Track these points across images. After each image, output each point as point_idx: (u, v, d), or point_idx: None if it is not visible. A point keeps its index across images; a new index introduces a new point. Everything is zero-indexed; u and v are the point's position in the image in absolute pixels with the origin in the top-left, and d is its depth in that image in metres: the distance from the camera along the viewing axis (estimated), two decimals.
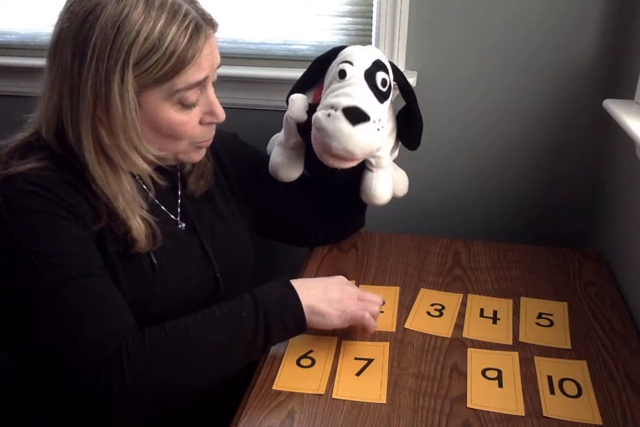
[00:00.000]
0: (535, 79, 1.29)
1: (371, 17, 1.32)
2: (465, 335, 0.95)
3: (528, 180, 1.39)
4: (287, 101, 1.07)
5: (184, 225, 0.94)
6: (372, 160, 1.06)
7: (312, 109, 1.02)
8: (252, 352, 0.84)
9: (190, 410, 0.93)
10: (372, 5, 1.31)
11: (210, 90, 0.86)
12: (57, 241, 0.77)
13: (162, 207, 0.92)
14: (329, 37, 1.38)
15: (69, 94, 0.79)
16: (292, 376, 0.86)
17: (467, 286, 1.09)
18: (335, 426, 0.78)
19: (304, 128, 1.04)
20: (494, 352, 0.91)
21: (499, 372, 0.87)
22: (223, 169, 1.05)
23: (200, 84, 0.83)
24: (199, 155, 0.92)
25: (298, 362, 0.88)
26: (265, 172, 1.11)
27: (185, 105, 0.83)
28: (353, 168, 1.03)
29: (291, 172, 1.10)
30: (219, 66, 0.86)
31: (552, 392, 0.84)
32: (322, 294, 0.88)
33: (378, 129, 0.96)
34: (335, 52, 1.04)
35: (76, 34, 0.77)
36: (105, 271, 0.81)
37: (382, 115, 0.98)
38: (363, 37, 1.36)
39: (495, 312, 1.01)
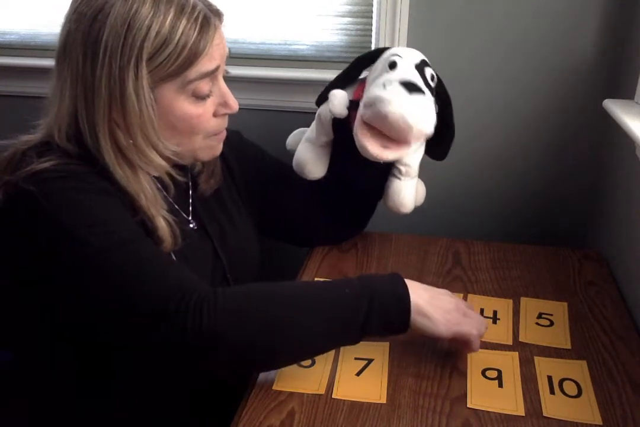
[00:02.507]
0: (534, 79, 1.29)
1: (371, 17, 1.32)
2: None
3: (528, 180, 1.39)
4: (317, 102, 1.08)
5: (195, 225, 0.95)
6: (402, 169, 1.06)
7: (352, 105, 1.02)
8: (345, 335, 0.81)
9: (191, 410, 0.93)
10: (372, 5, 1.31)
11: (222, 81, 0.86)
12: (97, 212, 0.77)
13: (176, 206, 0.92)
14: (329, 37, 1.38)
15: (83, 96, 0.78)
16: (292, 376, 0.86)
17: (467, 286, 1.09)
18: (335, 426, 0.78)
19: (340, 125, 1.03)
20: (494, 352, 0.91)
21: (499, 372, 0.87)
22: (229, 168, 1.05)
23: (212, 74, 0.83)
24: (216, 151, 0.91)
25: (298, 362, 0.88)
26: (269, 171, 1.11)
27: (199, 97, 0.83)
28: (377, 173, 1.05)
29: (317, 169, 1.10)
30: (228, 55, 0.86)
31: (552, 392, 0.84)
32: (432, 299, 0.84)
33: (431, 105, 0.96)
34: (377, 52, 1.05)
35: (86, 35, 0.77)
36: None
37: (432, 98, 0.98)
38: (363, 37, 1.36)
39: (495, 312, 1.01)
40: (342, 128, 1.03)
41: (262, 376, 0.86)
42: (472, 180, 1.40)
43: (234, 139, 1.08)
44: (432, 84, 1.00)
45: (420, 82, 0.96)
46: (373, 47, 1.34)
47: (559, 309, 1.02)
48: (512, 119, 1.34)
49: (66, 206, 0.76)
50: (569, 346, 0.93)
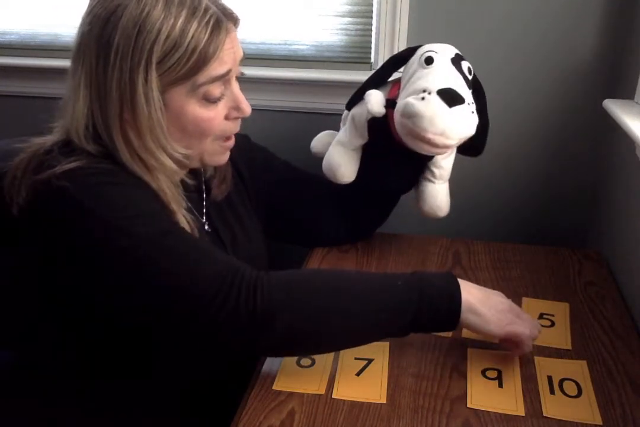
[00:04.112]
0: (534, 79, 1.29)
1: (371, 17, 1.32)
2: (465, 335, 0.95)
3: (527, 181, 1.39)
4: (347, 106, 1.07)
5: (209, 228, 0.95)
6: (436, 172, 1.06)
7: (388, 104, 1.00)
8: (393, 327, 0.81)
9: (191, 410, 0.93)
10: (372, 5, 1.31)
11: (235, 85, 0.86)
12: (135, 204, 0.77)
13: (194, 211, 0.92)
14: (329, 37, 1.38)
15: (96, 98, 0.78)
16: (292, 376, 0.86)
17: None
18: (335, 426, 0.78)
19: (375, 126, 1.02)
20: (494, 352, 0.91)
21: (499, 372, 0.87)
22: (239, 172, 1.05)
23: (224, 78, 0.82)
24: (223, 158, 0.91)
25: (298, 362, 0.88)
26: (279, 174, 1.11)
27: (210, 101, 0.82)
28: (409, 175, 1.06)
29: (349, 173, 1.08)
30: (243, 58, 0.86)
31: (552, 392, 0.84)
32: (485, 298, 0.84)
33: (472, 112, 0.94)
34: (411, 50, 1.04)
35: (99, 37, 0.77)
36: None
37: (472, 100, 0.96)
38: (363, 37, 1.36)
39: None
40: (377, 129, 1.02)
41: (262, 375, 0.86)
42: (472, 180, 1.40)
43: (242, 143, 1.07)
44: (470, 77, 0.99)
45: (458, 84, 0.94)
46: (373, 47, 1.34)
47: (560, 309, 1.02)
48: (511, 119, 1.34)
49: (104, 200, 0.75)
50: (569, 346, 0.93)
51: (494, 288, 1.07)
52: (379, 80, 1.06)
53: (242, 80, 1.38)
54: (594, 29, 1.23)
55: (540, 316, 1.00)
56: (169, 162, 0.81)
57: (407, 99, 0.93)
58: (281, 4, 1.37)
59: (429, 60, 0.97)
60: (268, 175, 1.10)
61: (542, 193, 1.39)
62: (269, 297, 0.74)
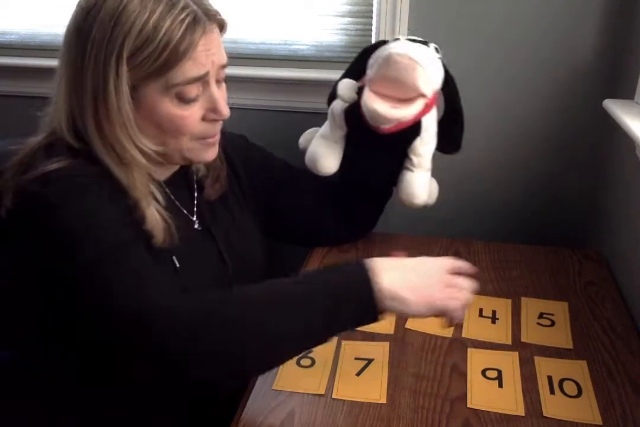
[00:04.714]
0: (534, 79, 1.29)
1: (371, 17, 1.32)
2: (465, 335, 0.95)
3: (528, 180, 1.39)
4: (328, 101, 1.11)
5: (199, 226, 0.95)
6: (414, 159, 1.08)
7: (360, 91, 1.05)
8: (312, 339, 0.78)
9: (191, 410, 0.93)
10: (372, 5, 1.31)
11: (214, 87, 0.84)
12: (97, 215, 0.77)
13: (180, 207, 0.92)
14: (329, 37, 1.38)
15: (74, 88, 0.79)
16: (292, 376, 0.86)
17: None
18: (335, 426, 0.78)
19: (352, 116, 1.05)
20: (494, 352, 0.91)
21: (499, 372, 0.87)
22: (235, 172, 1.05)
23: (201, 80, 0.81)
24: (208, 155, 0.89)
25: (298, 362, 0.88)
26: (277, 173, 1.11)
27: (184, 100, 0.81)
28: (390, 164, 1.08)
29: (330, 164, 1.11)
30: (224, 65, 0.85)
31: (552, 392, 0.84)
32: (405, 279, 0.78)
33: (438, 60, 1.02)
34: (381, 43, 1.09)
35: (79, 29, 0.78)
36: None
37: (439, 59, 1.05)
38: (363, 37, 1.36)
39: (494, 312, 1.01)
40: (354, 120, 1.05)
41: (263, 375, 0.86)
42: (472, 180, 1.40)
43: (239, 143, 1.07)
44: (439, 56, 1.05)
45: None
46: None
47: (560, 309, 1.02)
48: (512, 119, 1.34)
49: (68, 208, 0.76)
50: (570, 346, 0.93)
51: (494, 288, 1.08)
52: (351, 74, 1.11)
53: (243, 80, 1.39)
54: (594, 29, 1.23)
55: (540, 316, 1.00)
56: (139, 156, 0.81)
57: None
58: (281, 4, 1.37)
59: (396, 40, 1.05)
60: (267, 174, 1.10)
61: (542, 193, 1.39)
62: (165, 336, 0.72)
